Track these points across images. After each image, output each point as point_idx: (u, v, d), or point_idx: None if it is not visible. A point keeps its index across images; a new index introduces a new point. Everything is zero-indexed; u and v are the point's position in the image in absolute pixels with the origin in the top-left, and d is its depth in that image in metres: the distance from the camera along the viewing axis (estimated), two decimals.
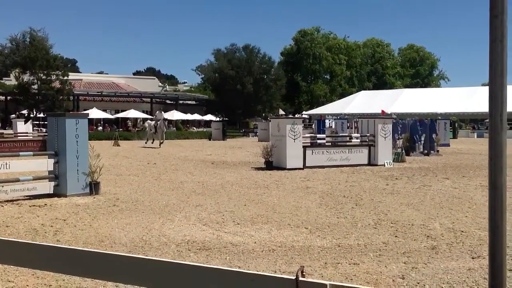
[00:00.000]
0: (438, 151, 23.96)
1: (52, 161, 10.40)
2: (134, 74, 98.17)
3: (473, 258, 5.71)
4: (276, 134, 16.86)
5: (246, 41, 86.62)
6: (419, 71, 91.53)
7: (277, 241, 6.52)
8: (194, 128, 59.59)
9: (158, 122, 28.95)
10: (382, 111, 33.54)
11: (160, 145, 28.92)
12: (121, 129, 47.52)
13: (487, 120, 56.70)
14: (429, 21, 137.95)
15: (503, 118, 1.58)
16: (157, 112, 32.84)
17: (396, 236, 6.80)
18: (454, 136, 43.86)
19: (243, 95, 56.55)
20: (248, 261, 5.63)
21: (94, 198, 10.12)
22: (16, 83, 44.99)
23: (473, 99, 51.36)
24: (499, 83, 1.59)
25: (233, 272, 1.86)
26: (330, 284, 1.74)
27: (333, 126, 41.15)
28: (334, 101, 69.15)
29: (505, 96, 1.60)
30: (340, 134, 28.13)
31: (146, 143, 30.15)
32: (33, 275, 5.01)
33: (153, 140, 30.01)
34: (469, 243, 6.38)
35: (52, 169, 10.44)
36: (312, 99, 75.26)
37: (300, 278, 1.77)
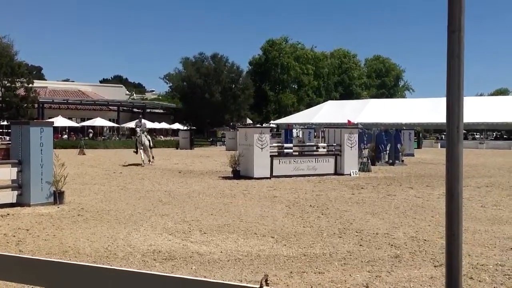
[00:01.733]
0: (403, 160, 24.38)
1: (15, 169, 10.18)
2: (101, 82, 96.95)
3: (435, 266, 5.82)
4: (244, 143, 16.88)
5: (214, 50, 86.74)
6: (385, 82, 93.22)
7: (243, 251, 6.52)
8: (162, 137, 59.11)
9: (138, 132, 22.05)
10: (348, 121, 34.00)
11: (148, 161, 22.01)
12: (86, 138, 46.77)
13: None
14: (395, 33, 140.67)
15: (459, 130, 1.64)
16: (137, 120, 26.38)
17: (360, 245, 6.89)
18: (419, 146, 44.70)
19: (211, 104, 56.47)
20: (214, 270, 5.62)
21: (59, 207, 9.93)
22: None
23: (437, 110, 52.53)
24: (455, 97, 1.65)
25: (197, 282, 1.86)
26: None
27: (300, 136, 41.50)
28: (302, 110, 69.77)
29: (462, 110, 1.66)
30: (307, 144, 28.35)
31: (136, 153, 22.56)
32: None
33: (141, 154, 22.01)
34: (432, 252, 6.51)
35: (16, 178, 10.21)
36: (280, 108, 75.66)
37: (264, 287, 1.79)
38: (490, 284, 5.14)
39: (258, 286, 1.80)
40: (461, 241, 1.61)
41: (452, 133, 1.67)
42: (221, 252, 6.45)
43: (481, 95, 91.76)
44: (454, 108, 1.66)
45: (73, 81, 78.89)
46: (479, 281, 5.23)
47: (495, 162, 26.03)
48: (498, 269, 5.66)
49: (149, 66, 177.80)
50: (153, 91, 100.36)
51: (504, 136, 61.57)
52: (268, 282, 1.85)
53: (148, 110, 63.84)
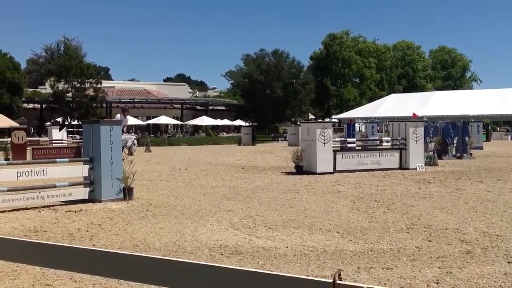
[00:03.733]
0: (471, 154, 23.56)
1: (87, 167, 10.63)
2: (164, 80, 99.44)
3: (509, 262, 5.63)
4: (306, 138, 16.84)
5: (275, 46, 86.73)
6: (451, 73, 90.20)
7: (308, 246, 6.54)
8: (224, 133, 59.95)
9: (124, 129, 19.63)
10: (413, 114, 33.16)
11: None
12: (152, 135, 48.11)
13: None
14: (461, 22, 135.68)
15: None
16: (118, 114, 20.84)
17: (429, 241, 6.74)
18: (488, 139, 43.00)
19: (272, 100, 56.58)
20: (280, 265, 5.68)
21: (128, 203, 10.30)
22: (51, 91, 46.11)
23: (507, 101, 50.33)
24: None
25: (269, 275, 1.91)
26: (367, 287, 1.77)
27: (363, 130, 40.89)
28: (364, 104, 68.71)
29: None
30: (371, 138, 27.91)
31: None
32: (71, 278, 5.16)
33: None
34: (505, 247, 6.29)
35: (87, 175, 10.66)
36: (341, 103, 74.86)
37: (338, 281, 1.81)
38: None
39: (331, 280, 1.83)
40: None
41: None
42: (287, 247, 6.50)
43: None
44: None
45: (138, 81, 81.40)
46: None
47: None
48: None
49: (211, 64, 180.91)
50: (215, 88, 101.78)
51: None
52: (341, 276, 1.88)
53: (211, 107, 64.91)
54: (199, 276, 2.05)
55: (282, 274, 1.91)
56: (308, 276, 5.11)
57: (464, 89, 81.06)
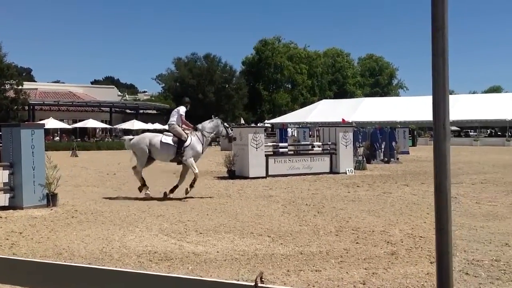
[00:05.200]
0: (398, 158, 24.46)
1: (7, 172, 10.14)
2: (92, 83, 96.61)
3: (431, 262, 5.84)
4: (239, 143, 16.87)
5: (206, 50, 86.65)
6: (379, 81, 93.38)
7: (239, 250, 6.53)
8: None
9: None
10: (343, 119, 34.04)
11: None
12: (79, 139, 46.64)
13: None
14: (387, 31, 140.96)
15: (446, 127, 1.66)
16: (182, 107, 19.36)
17: (357, 243, 6.91)
18: (414, 144, 44.80)
19: (205, 104, 56.44)
20: (210, 270, 5.63)
21: (52, 210, 9.90)
22: None
23: (428, 107, 52.68)
24: (441, 95, 1.67)
25: (191, 280, 1.87)
26: None
27: (295, 135, 41.52)
28: (296, 110, 69.81)
29: (447, 107, 1.68)
30: (302, 143, 28.38)
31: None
32: None
33: None
34: (428, 248, 6.54)
35: (7, 181, 10.17)
36: (274, 108, 75.69)
37: (259, 284, 1.80)
38: (486, 279, 5.16)
39: (253, 284, 1.81)
40: (450, 237, 1.64)
41: (438, 130, 1.69)
42: (218, 252, 6.46)
43: (474, 92, 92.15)
44: (439, 105, 1.68)
45: (63, 83, 78.60)
46: (475, 276, 5.26)
47: (489, 159, 26.12)
48: (493, 265, 5.69)
49: (141, 67, 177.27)
50: (146, 92, 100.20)
51: (498, 133, 61.81)
52: (263, 279, 1.87)
53: (141, 111, 63.74)
54: (125, 284, 1.98)
55: (202, 278, 1.88)
56: (238, 280, 5.10)
57: (391, 96, 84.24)
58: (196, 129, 12.48)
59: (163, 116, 64.51)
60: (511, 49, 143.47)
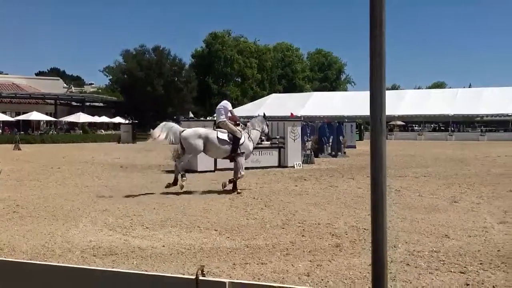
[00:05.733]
0: (345, 152, 24.93)
1: None
2: (36, 74, 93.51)
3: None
4: None
5: (155, 42, 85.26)
6: (327, 75, 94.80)
7: (186, 244, 6.50)
8: (102, 131, 57.80)
9: None
10: (291, 114, 34.36)
11: None
12: (22, 132, 45.07)
13: (391, 123, 60.01)
14: (335, 27, 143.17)
15: (382, 122, 1.71)
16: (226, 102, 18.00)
17: (303, 236, 7.00)
18: (360, 138, 45.80)
19: (154, 97, 55.64)
20: (156, 264, 5.58)
21: None
22: None
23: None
24: (378, 92, 1.72)
25: (132, 274, 1.85)
26: (229, 282, 1.78)
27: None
28: (246, 104, 69.94)
29: (384, 103, 1.74)
30: None
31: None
32: None
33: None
34: (370, 240, 6.70)
35: None
36: None
37: (200, 277, 1.80)
38: (426, 269, 5.34)
39: (194, 277, 1.82)
40: (385, 228, 1.69)
41: (375, 125, 1.74)
42: (163, 246, 6.41)
43: (419, 88, 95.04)
44: (376, 101, 1.74)
45: (6, 74, 75.65)
46: (415, 267, 5.43)
47: (432, 153, 27.02)
48: (433, 255, 5.89)
49: (88, 59, 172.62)
50: (92, 84, 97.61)
51: (441, 128, 64.03)
52: (204, 272, 1.87)
53: (88, 104, 62.26)
54: (67, 278, 1.94)
55: (143, 272, 1.86)
56: (183, 274, 5.09)
57: (340, 90, 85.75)
58: (245, 126, 12.25)
59: (110, 108, 63.27)
60: (454, 45, 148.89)
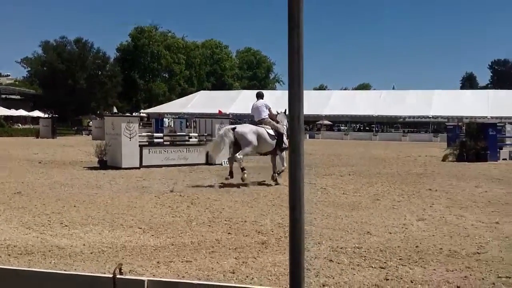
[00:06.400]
0: None
1: None
2: None
3: None
4: (111, 132, 16.35)
5: (78, 34, 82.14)
6: (256, 74, 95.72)
7: (108, 242, 6.29)
8: (20, 125, 55.16)
9: None
10: (219, 111, 34.35)
11: None
12: None
13: (318, 122, 61.43)
14: (264, 26, 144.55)
15: (300, 121, 1.70)
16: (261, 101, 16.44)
17: (229, 233, 6.97)
18: (288, 137, 46.48)
19: (76, 91, 53.84)
20: (75, 264, 5.35)
21: None
22: None
23: (305, 102, 55.04)
24: (296, 90, 1.71)
25: (44, 274, 1.74)
26: (148, 279, 1.72)
27: (172, 125, 41.15)
28: (173, 100, 69.20)
29: (302, 102, 1.73)
30: (178, 134, 28.17)
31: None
32: None
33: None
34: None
35: None
36: (150, 97, 74.36)
37: (118, 276, 1.73)
38: (348, 265, 5.45)
39: (111, 275, 1.74)
40: (303, 225, 1.68)
41: (293, 123, 1.73)
42: (84, 244, 6.17)
43: (345, 89, 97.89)
44: (294, 100, 1.73)
45: None
46: (338, 263, 5.53)
47: (357, 152, 27.85)
48: (355, 252, 6.02)
49: (4, 49, 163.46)
50: (9, 75, 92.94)
51: (366, 128, 66.24)
52: (122, 271, 1.79)
53: (4, 96, 59.27)
54: None
55: (60, 271, 1.76)
56: (104, 274, 4.91)
57: (269, 89, 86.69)
58: (278, 122, 12.75)
59: (28, 102, 60.52)
60: (379, 48, 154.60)
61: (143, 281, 1.71)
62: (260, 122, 12.56)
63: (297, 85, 1.72)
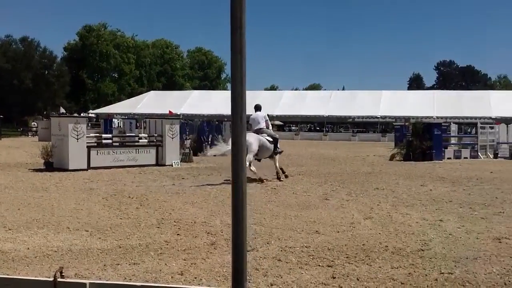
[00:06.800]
0: None
1: None
2: None
3: (248, 251, 6.11)
4: (58, 133, 15.97)
5: (23, 33, 79.59)
6: (208, 74, 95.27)
7: (53, 246, 6.16)
8: None
9: None
10: (170, 111, 34.07)
11: None
12: None
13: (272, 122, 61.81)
14: (216, 26, 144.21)
15: (242, 120, 1.74)
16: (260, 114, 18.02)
17: (178, 234, 6.94)
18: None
19: (21, 91, 52.12)
20: (19, 268, 5.21)
21: None
22: None
23: (256, 102, 55.44)
24: (239, 90, 1.75)
25: None
26: (89, 283, 1.72)
27: (121, 126, 40.49)
28: (123, 100, 68.08)
29: (245, 102, 1.77)
30: (128, 134, 27.75)
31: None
32: None
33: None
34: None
35: None
36: (99, 97, 72.89)
37: (59, 279, 1.72)
38: (296, 264, 5.53)
39: (51, 279, 1.73)
40: (245, 225, 1.72)
41: (236, 124, 1.77)
42: (28, 248, 6.01)
43: (296, 89, 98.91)
44: (237, 100, 1.76)
45: None
46: (287, 262, 5.61)
47: (308, 152, 28.18)
48: (304, 251, 6.11)
49: None
50: None
51: (317, 128, 67.08)
52: (63, 274, 1.79)
53: None
54: None
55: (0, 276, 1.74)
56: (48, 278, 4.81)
57: (220, 89, 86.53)
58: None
59: None
60: (330, 48, 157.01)
61: (85, 284, 1.71)
62: (257, 132, 13.77)
63: (240, 85, 1.75)
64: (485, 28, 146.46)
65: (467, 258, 5.80)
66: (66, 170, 15.06)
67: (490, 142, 25.38)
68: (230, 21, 1.73)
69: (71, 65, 69.67)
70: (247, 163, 12.69)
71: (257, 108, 14.58)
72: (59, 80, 57.22)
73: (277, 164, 13.99)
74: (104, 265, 5.39)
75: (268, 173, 13.90)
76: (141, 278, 4.94)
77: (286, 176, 13.87)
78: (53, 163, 15.59)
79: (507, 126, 28.33)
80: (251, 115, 14.30)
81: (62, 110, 55.13)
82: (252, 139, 13.26)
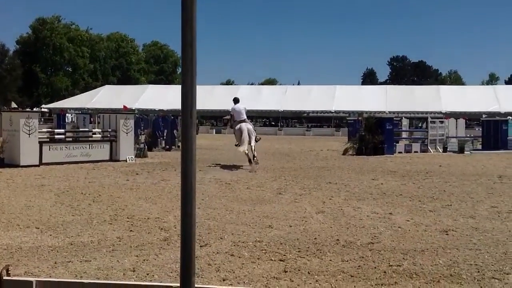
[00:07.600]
0: (179, 146, 24.96)
1: None
2: None
3: (201, 246, 6.12)
4: (9, 128, 15.54)
5: None
6: (163, 68, 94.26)
7: (2, 244, 6.02)
8: None
9: None
10: (124, 106, 33.54)
11: None
12: None
13: (225, 117, 61.70)
14: (171, 20, 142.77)
15: (193, 115, 1.76)
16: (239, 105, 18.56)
17: (131, 231, 6.90)
18: (196, 132, 46.25)
19: None
20: None
21: None
22: None
23: (213, 97, 55.21)
24: (189, 85, 1.76)
25: None
26: (36, 280, 1.71)
27: (75, 121, 39.63)
28: (77, 94, 66.63)
29: (195, 96, 1.79)
30: (81, 129, 27.20)
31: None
32: None
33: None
34: (198, 232, 6.83)
35: None
36: (52, 92, 71.11)
37: (5, 277, 1.70)
38: (249, 259, 5.60)
39: None
40: (194, 219, 1.74)
41: (186, 118, 1.78)
42: None
43: (252, 84, 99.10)
44: (187, 95, 1.77)
45: None
46: (239, 257, 5.66)
47: (262, 147, 28.22)
48: (256, 245, 6.18)
49: None
50: None
51: (272, 123, 67.38)
52: (9, 272, 1.77)
53: None
54: None
55: None
56: None
57: (176, 84, 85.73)
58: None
59: None
60: (286, 43, 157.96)
61: (31, 282, 1.69)
62: (243, 121, 15.81)
63: (190, 78, 1.76)
64: (437, 25, 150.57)
65: (415, 251, 5.99)
66: (18, 166, 14.68)
67: (440, 136, 26.02)
68: (181, 12, 1.74)
69: (24, 58, 67.71)
70: (252, 146, 15.71)
71: (236, 100, 16.39)
72: (11, 74, 55.62)
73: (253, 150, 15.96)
74: (55, 263, 5.31)
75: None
76: (93, 276, 4.89)
77: (257, 163, 15.54)
78: (4, 159, 15.17)
79: (456, 121, 29.20)
80: (233, 107, 16.37)
81: (14, 104, 53.50)
82: (250, 127, 15.82)
